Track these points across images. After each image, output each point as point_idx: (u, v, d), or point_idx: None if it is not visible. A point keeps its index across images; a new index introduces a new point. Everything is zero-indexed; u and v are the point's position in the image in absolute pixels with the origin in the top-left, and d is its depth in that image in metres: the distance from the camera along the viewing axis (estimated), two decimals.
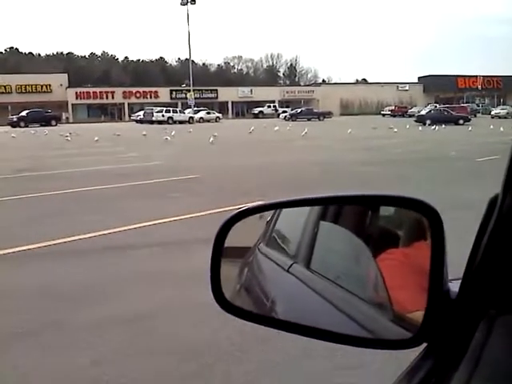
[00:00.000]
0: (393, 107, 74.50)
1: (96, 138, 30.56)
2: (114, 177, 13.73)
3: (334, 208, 1.10)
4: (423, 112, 53.16)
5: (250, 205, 1.09)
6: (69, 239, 7.22)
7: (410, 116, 59.04)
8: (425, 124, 45.11)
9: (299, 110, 67.28)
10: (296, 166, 15.72)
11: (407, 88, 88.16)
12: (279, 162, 16.89)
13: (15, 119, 60.21)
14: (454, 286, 0.86)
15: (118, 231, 7.70)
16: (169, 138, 29.40)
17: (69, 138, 31.87)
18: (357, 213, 1.04)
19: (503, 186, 0.79)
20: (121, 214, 9.18)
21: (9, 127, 56.15)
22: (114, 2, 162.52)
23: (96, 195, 11.16)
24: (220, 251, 1.06)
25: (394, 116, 69.25)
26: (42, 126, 57.77)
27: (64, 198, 10.86)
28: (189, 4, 74.25)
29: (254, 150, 22.69)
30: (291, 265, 1.12)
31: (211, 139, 27.22)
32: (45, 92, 77.14)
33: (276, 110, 75.12)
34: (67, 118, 75.25)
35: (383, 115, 71.51)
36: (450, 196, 9.04)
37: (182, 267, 5.98)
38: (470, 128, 38.63)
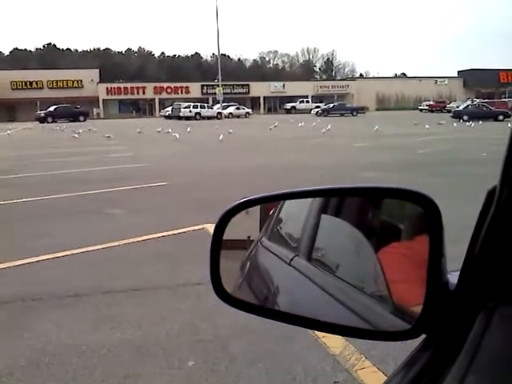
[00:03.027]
0: (431, 102, 71.69)
1: (108, 135, 29.49)
2: (74, 184, 12.12)
3: (335, 201, 1.09)
4: (460, 107, 50.24)
5: (252, 196, 1.05)
6: None
7: (449, 111, 55.99)
8: (461, 120, 42.34)
9: (331, 105, 65.12)
10: (293, 170, 13.61)
11: (446, 82, 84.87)
12: (276, 165, 14.88)
13: (43, 114, 59.94)
14: (453, 278, 0.86)
15: None
16: (178, 136, 27.86)
17: (76, 136, 30.65)
18: (358, 206, 1.04)
19: (501, 178, 0.79)
20: (17, 241, 7.19)
21: (37, 122, 56.04)
22: None
23: (20, 210, 9.50)
24: (219, 243, 1.06)
25: (432, 111, 66.57)
26: (70, 121, 57.47)
27: None
28: None
29: (259, 150, 20.93)
30: (293, 258, 1.12)
31: (221, 137, 25.60)
32: (76, 87, 77.12)
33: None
34: (98, 113, 74.99)
35: (420, 110, 68.95)
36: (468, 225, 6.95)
37: None
38: (509, 125, 35.71)
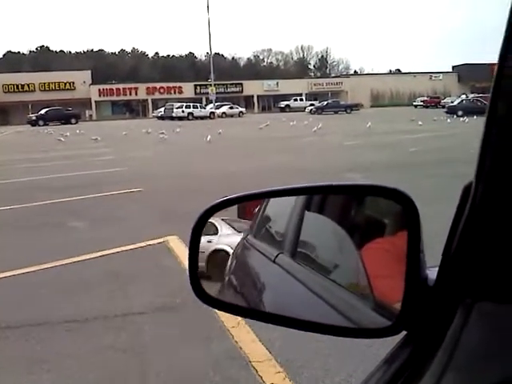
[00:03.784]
0: (425, 98, 71.09)
1: (95, 138, 28.99)
2: (45, 192, 11.53)
3: (318, 198, 1.09)
4: (455, 102, 49.66)
5: (233, 195, 1.04)
6: None
7: (444, 107, 55.35)
8: (456, 115, 41.78)
9: (325, 103, 64.52)
10: (277, 172, 12.99)
11: (441, 78, 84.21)
12: (260, 168, 14.19)
13: (34, 118, 59.27)
14: (432, 274, 0.85)
15: None
16: (166, 137, 27.30)
17: (62, 139, 29.97)
18: (341, 203, 1.03)
19: (476, 174, 0.78)
20: None
21: (28, 126, 55.43)
22: None
23: None
24: (197, 244, 1.05)
25: (427, 107, 65.86)
26: (62, 124, 56.92)
27: None
28: None
29: (246, 151, 20.30)
30: (277, 255, 1.12)
31: (209, 138, 25.00)
32: (68, 89, 76.43)
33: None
34: (90, 115, 74.34)
35: (415, 106, 68.28)
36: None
37: None
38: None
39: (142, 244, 6.84)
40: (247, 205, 1.15)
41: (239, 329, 4.14)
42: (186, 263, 5.60)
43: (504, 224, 0.77)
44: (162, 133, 29.92)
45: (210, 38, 72.90)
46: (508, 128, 0.74)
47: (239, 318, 4.17)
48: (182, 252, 6.31)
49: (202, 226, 1.05)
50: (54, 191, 11.51)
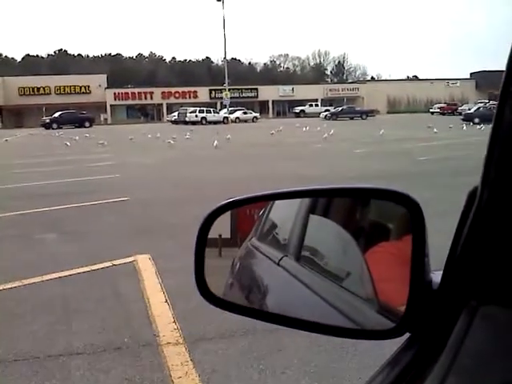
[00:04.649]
0: (442, 105, 69.97)
1: (101, 142, 28.71)
2: (27, 199, 11.04)
3: (323, 201, 1.09)
4: (472, 110, 48.65)
5: (239, 197, 1.05)
6: None
7: (460, 114, 54.45)
8: (472, 123, 40.82)
9: (340, 109, 63.78)
10: (271, 181, 12.36)
11: (458, 84, 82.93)
12: (260, 176, 13.51)
13: (48, 121, 59.29)
14: (436, 277, 0.86)
15: None
16: (172, 142, 26.82)
17: (68, 143, 29.60)
18: (346, 206, 1.04)
19: (482, 179, 0.79)
20: None
21: (42, 129, 55.47)
22: (163, 2, 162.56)
23: None
24: (204, 244, 1.05)
25: (444, 114, 64.79)
26: (76, 127, 56.89)
27: None
28: None
29: (251, 158, 19.68)
30: (281, 258, 1.12)
31: (216, 143, 24.47)
32: (83, 93, 76.56)
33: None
34: (105, 119, 74.37)
35: (432, 113, 67.26)
36: None
37: None
38: None
39: (107, 264, 6.20)
40: (241, 213, 1.13)
41: (186, 379, 3.56)
42: (149, 290, 4.63)
43: (509, 229, 0.77)
44: (174, 138, 29.50)
45: (225, 42, 72.78)
46: None
47: (188, 368, 3.63)
48: (149, 275, 5.72)
49: (208, 227, 1.05)
50: (33, 200, 10.98)
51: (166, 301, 4.97)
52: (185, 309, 4.67)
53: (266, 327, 3.65)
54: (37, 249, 7.23)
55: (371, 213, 0.99)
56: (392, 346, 0.84)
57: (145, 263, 6.17)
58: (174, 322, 4.46)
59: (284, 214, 1.14)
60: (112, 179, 14.14)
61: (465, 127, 36.93)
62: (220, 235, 1.08)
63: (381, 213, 0.98)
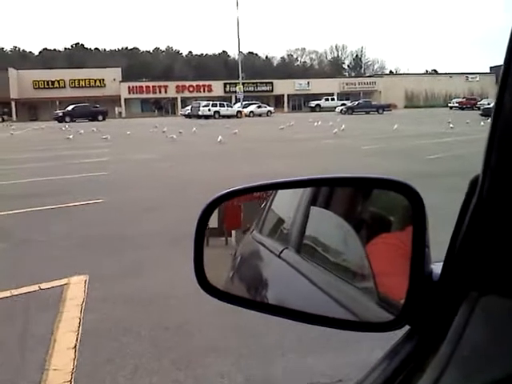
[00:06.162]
0: (461, 99, 68.41)
1: (105, 137, 28.26)
2: None
3: (324, 193, 1.08)
4: (491, 105, 47.22)
5: (239, 186, 1.03)
6: None
7: (479, 108, 53.13)
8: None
9: (356, 103, 62.59)
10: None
11: (478, 79, 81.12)
12: (251, 174, 12.57)
13: (60, 114, 59.03)
14: (437, 269, 0.86)
15: None
16: (175, 137, 26.07)
17: (70, 137, 28.98)
18: (347, 198, 1.03)
19: (483, 167, 0.78)
20: None
21: (55, 122, 55.17)
22: None
23: None
24: (203, 235, 1.04)
25: (463, 109, 63.31)
26: (89, 120, 56.62)
27: None
28: None
29: (253, 154, 18.75)
30: (282, 250, 1.12)
31: (220, 138, 23.67)
32: (98, 87, 76.31)
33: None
34: (120, 112, 74.08)
35: (450, 108, 65.84)
36: None
37: None
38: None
39: (33, 288, 5.15)
40: (228, 208, 1.10)
41: None
42: (62, 328, 3.11)
43: (510, 218, 0.76)
44: (180, 132, 28.76)
45: (238, 35, 71.96)
46: None
47: None
48: (72, 306, 4.66)
49: (208, 216, 1.04)
50: (7, 200, 10.13)
51: (75, 346, 3.91)
52: (92, 362, 3.70)
53: None
54: None
55: (373, 205, 0.98)
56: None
57: (76, 288, 5.16)
58: (70, 381, 3.44)
59: (285, 206, 1.12)
60: (97, 177, 13.29)
61: (482, 123, 35.62)
62: (207, 225, 1.04)
63: (382, 205, 0.97)
